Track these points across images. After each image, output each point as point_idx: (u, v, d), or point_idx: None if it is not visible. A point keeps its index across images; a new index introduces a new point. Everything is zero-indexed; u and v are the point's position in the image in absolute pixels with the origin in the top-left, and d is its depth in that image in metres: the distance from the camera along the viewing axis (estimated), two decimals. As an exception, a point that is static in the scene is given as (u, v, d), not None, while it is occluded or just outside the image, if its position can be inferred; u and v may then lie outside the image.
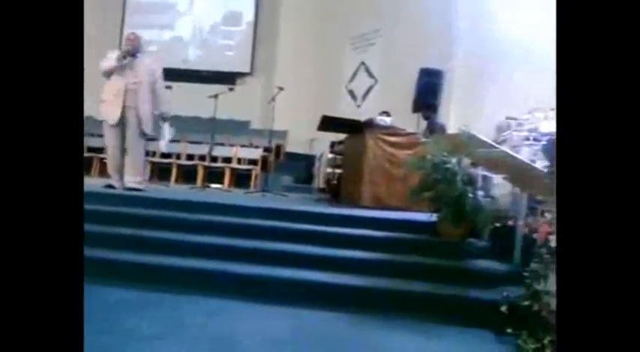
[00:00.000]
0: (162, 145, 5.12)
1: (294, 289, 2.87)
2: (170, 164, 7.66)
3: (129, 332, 2.16)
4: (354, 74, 9.07)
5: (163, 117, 4.83)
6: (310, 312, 2.65)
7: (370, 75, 8.70)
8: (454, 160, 3.32)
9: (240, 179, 7.65)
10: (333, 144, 7.07)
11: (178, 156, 8.15)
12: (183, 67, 10.86)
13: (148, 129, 4.61)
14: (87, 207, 3.88)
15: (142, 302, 2.62)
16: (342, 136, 6.02)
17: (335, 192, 5.93)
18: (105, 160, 5.34)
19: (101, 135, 6.00)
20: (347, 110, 7.98)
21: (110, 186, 4.53)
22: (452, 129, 5.66)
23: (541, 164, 3.23)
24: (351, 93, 9.08)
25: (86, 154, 8.07)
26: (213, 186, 6.75)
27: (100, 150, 8.54)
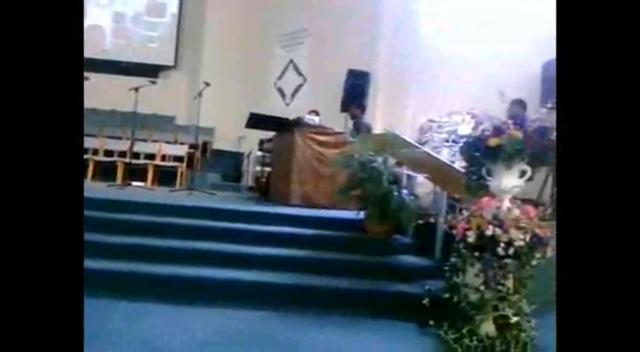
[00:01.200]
0: None
1: (221, 289, 2.81)
2: (86, 160, 7.17)
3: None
4: (283, 72, 9.06)
5: None
6: (238, 312, 2.62)
7: (299, 73, 8.74)
8: (380, 159, 3.43)
9: (165, 177, 7.34)
10: (262, 142, 7.01)
11: (95, 152, 7.65)
12: (102, 57, 10.21)
13: None
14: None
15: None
16: (271, 134, 5.99)
17: (264, 190, 5.89)
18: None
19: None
20: (276, 108, 7.95)
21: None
22: (377, 129, 5.85)
23: (459, 165, 3.43)
24: (280, 91, 9.06)
25: None
26: (135, 184, 6.42)
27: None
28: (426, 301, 2.52)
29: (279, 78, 9.08)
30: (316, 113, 5.87)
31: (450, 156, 4.30)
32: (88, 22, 10.87)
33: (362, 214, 3.52)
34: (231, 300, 2.72)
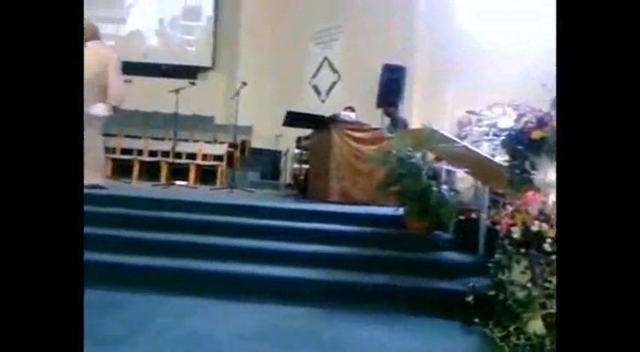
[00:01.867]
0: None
1: (263, 285, 2.86)
2: (131, 160, 7.44)
3: (89, 334, 2.09)
4: (318, 69, 9.07)
5: (112, 107, 4.44)
6: (280, 308, 2.66)
7: (334, 70, 8.73)
8: (418, 155, 3.39)
9: (206, 175, 7.53)
10: (299, 140, 7.07)
11: (140, 152, 7.93)
12: (143, 60, 10.55)
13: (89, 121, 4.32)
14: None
15: (105, 304, 2.54)
16: (308, 132, 6.03)
17: (302, 187, 5.94)
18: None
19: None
20: (311, 105, 7.99)
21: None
22: (414, 124, 5.78)
23: (501, 158, 3.35)
24: (315, 88, 9.08)
25: None
26: (178, 183, 6.62)
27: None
28: (470, 298, 2.48)
29: (314, 75, 9.10)
30: (352, 109, 5.86)
31: (491, 150, 4.21)
32: (128, 28, 11.29)
33: (401, 210, 3.49)
34: (273, 297, 2.76)
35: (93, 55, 4.34)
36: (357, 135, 4.71)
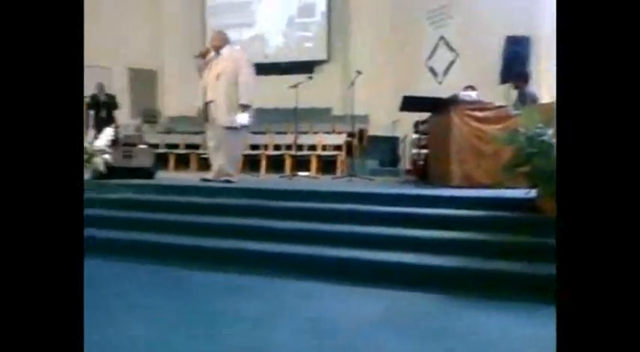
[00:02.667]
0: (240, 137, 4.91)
1: (385, 271, 2.87)
2: (259, 155, 7.98)
3: (222, 315, 2.30)
4: (434, 50, 8.74)
5: (243, 105, 4.76)
6: (402, 294, 2.65)
7: (450, 49, 8.34)
8: (550, 132, 3.09)
9: (327, 165, 7.76)
10: (416, 124, 6.91)
11: (266, 147, 8.46)
12: (263, 61, 11.21)
13: (226, 121, 4.73)
14: (184, 199, 4.20)
15: (235, 287, 2.77)
16: (425, 115, 5.86)
17: (422, 172, 5.81)
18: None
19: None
20: (428, 88, 7.74)
21: (205, 180, 4.84)
22: (544, 98, 5.26)
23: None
24: (432, 70, 8.77)
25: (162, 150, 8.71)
26: (301, 173, 6.94)
27: (176, 146, 9.21)
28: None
29: (430, 57, 8.79)
30: (472, 88, 5.54)
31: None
32: (251, 32, 12.06)
33: (532, 192, 3.22)
34: (396, 283, 2.76)
35: (227, 58, 4.76)
36: (479, 114, 4.45)
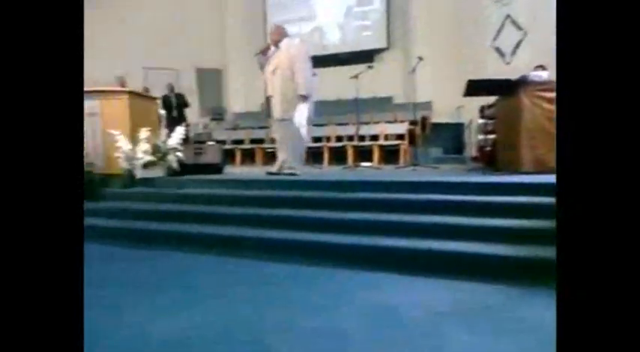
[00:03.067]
0: (302, 129, 4.83)
1: (453, 261, 2.82)
2: (321, 147, 8.07)
3: (295, 303, 2.36)
4: (500, 30, 8.34)
5: (301, 97, 4.77)
6: (471, 284, 2.58)
7: (518, 27, 7.91)
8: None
9: (389, 155, 7.69)
10: (482, 109, 6.65)
11: (328, 139, 8.53)
12: (323, 53, 11.25)
13: (281, 114, 4.79)
14: (251, 192, 4.34)
15: (301, 276, 2.83)
16: (492, 99, 5.62)
17: (489, 159, 5.59)
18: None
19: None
20: (495, 70, 7.41)
21: (270, 173, 4.97)
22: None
23: None
24: (498, 50, 8.38)
25: (229, 146, 8.98)
26: (364, 164, 6.93)
27: (241, 142, 9.47)
28: None
29: (496, 37, 8.39)
30: (543, 68, 5.24)
31: None
32: (310, 25, 12.13)
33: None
34: (463, 273, 2.70)
35: (284, 52, 4.84)
36: (552, 95, 4.20)
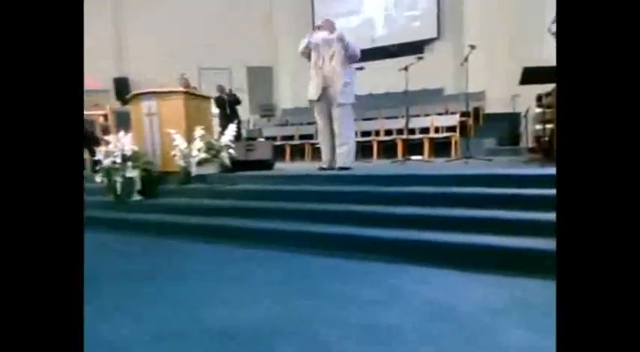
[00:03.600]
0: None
1: (508, 257, 2.73)
2: (371, 141, 8.02)
3: (347, 299, 2.38)
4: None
5: (347, 83, 4.85)
6: (524, 280, 2.50)
7: (579, 10, 7.46)
8: None
9: (440, 147, 7.54)
10: (540, 98, 6.36)
11: (377, 133, 8.47)
12: (371, 46, 11.15)
13: (346, 98, 4.82)
14: (300, 188, 4.38)
15: (351, 271, 2.84)
16: (550, 87, 5.35)
17: (548, 150, 5.34)
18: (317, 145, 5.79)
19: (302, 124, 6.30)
20: (553, 56, 7.04)
21: (322, 168, 5.01)
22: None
23: None
24: (555, 35, 7.95)
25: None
26: (414, 157, 6.83)
27: (291, 137, 9.55)
28: None
29: (554, 21, 7.97)
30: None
31: None
32: (358, 18, 12.06)
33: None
34: (519, 269, 2.61)
35: (335, 42, 4.83)
36: (615, 81, 3.95)
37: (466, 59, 5.95)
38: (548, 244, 2.70)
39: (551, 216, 2.95)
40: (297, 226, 3.61)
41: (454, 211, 3.29)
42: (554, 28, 6.44)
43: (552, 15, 7.35)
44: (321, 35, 4.90)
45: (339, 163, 4.89)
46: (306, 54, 4.96)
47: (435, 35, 10.81)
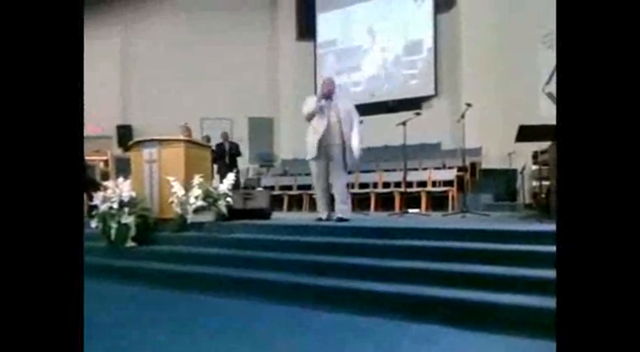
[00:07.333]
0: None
1: (508, 315, 2.66)
2: (368, 193, 8.05)
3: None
4: (553, 73, 8.19)
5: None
6: (526, 341, 2.42)
7: (572, 72, 7.74)
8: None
9: (437, 201, 7.54)
10: (536, 155, 6.45)
11: (375, 185, 8.51)
12: (371, 100, 11.46)
13: (352, 161, 4.95)
14: (296, 239, 4.33)
15: (349, 327, 2.75)
16: (545, 144, 5.45)
17: (545, 207, 5.35)
18: (313, 195, 5.81)
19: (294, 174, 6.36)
20: (548, 115, 7.21)
21: (320, 219, 4.98)
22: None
23: None
24: (551, 95, 8.18)
25: (278, 192, 9.08)
26: (411, 211, 6.81)
27: (289, 188, 9.56)
28: None
29: (548, 82, 8.23)
30: (599, 112, 5.04)
31: None
32: (359, 74, 12.47)
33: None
34: (516, 327, 2.53)
35: (343, 105, 4.99)
36: (609, 141, 4.02)
37: (463, 116, 6.10)
38: (551, 302, 2.64)
39: (551, 272, 2.91)
40: (292, 278, 3.54)
41: (453, 266, 3.24)
42: (547, 89, 6.61)
43: (547, 76, 7.57)
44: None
45: (337, 213, 4.89)
46: (311, 116, 5.07)
47: (432, 92, 11.13)
